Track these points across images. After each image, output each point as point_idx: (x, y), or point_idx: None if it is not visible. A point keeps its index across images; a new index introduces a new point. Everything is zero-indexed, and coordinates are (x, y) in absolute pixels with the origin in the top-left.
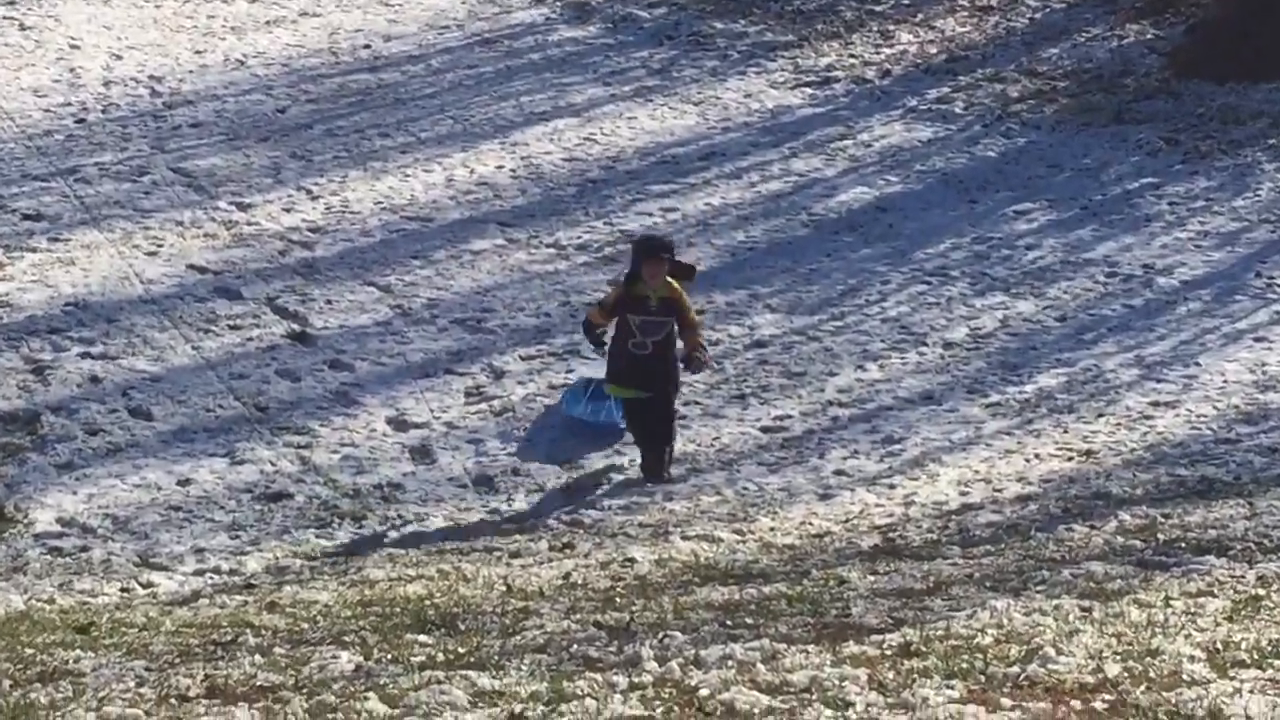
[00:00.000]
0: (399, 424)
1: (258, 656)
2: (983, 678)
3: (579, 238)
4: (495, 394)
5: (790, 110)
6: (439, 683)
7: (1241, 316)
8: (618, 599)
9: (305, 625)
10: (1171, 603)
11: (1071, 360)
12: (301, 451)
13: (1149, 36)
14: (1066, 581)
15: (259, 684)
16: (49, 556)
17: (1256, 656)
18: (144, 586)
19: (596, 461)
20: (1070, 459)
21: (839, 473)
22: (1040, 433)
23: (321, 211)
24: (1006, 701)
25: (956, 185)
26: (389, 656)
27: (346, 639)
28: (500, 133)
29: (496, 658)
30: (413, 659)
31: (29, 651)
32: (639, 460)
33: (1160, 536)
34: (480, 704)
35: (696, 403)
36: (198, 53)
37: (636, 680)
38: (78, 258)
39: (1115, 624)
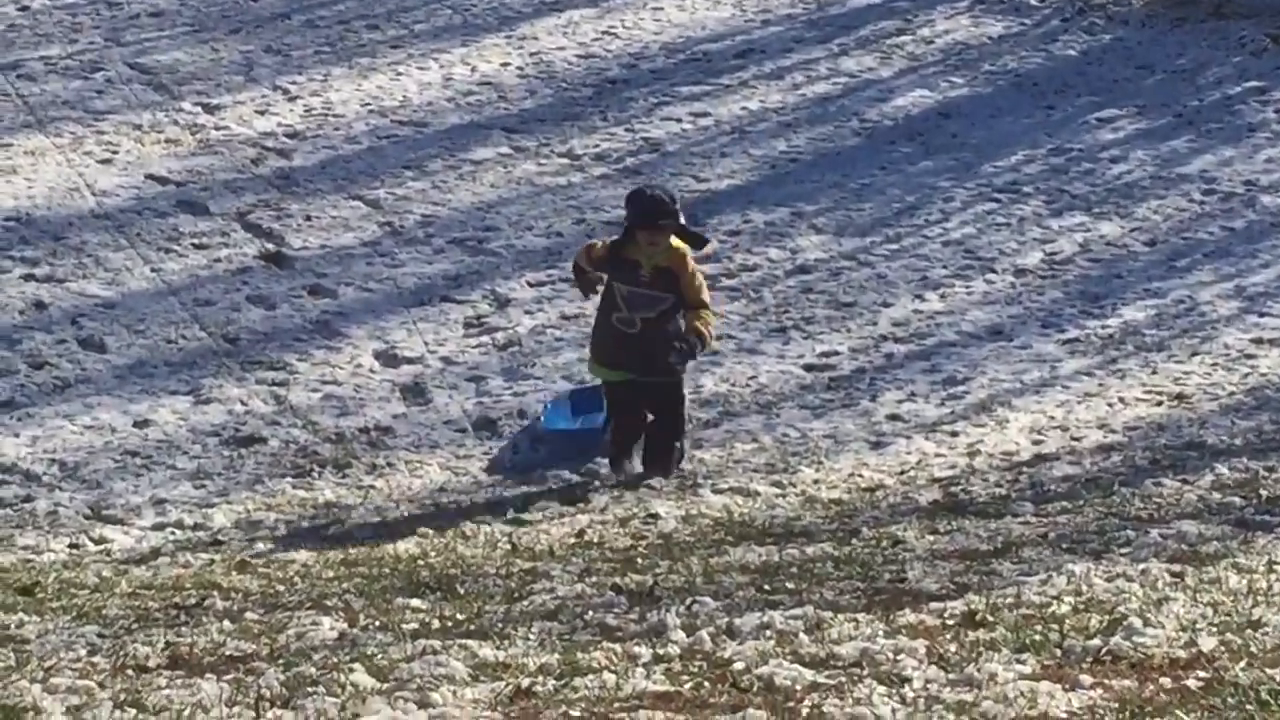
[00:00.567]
0: (388, 359)
1: (226, 622)
2: (1058, 651)
3: (596, 146)
4: (499, 325)
5: (840, 1)
6: (434, 653)
7: None
8: (639, 560)
9: (281, 588)
10: (1275, 568)
11: (1162, 290)
12: (276, 390)
13: None
14: (1155, 543)
15: (228, 653)
16: None
17: None
18: (96, 542)
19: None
20: (1159, 404)
21: (893, 418)
22: (1125, 373)
23: (300, 114)
24: (1086, 678)
25: (1031, 88)
26: (377, 623)
27: (328, 603)
28: (506, 24)
29: (500, 625)
30: (404, 626)
31: None
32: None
33: (1263, 493)
34: (482, 677)
35: (731, 337)
36: None
37: (661, 652)
38: (20, 165)
39: (1211, 592)
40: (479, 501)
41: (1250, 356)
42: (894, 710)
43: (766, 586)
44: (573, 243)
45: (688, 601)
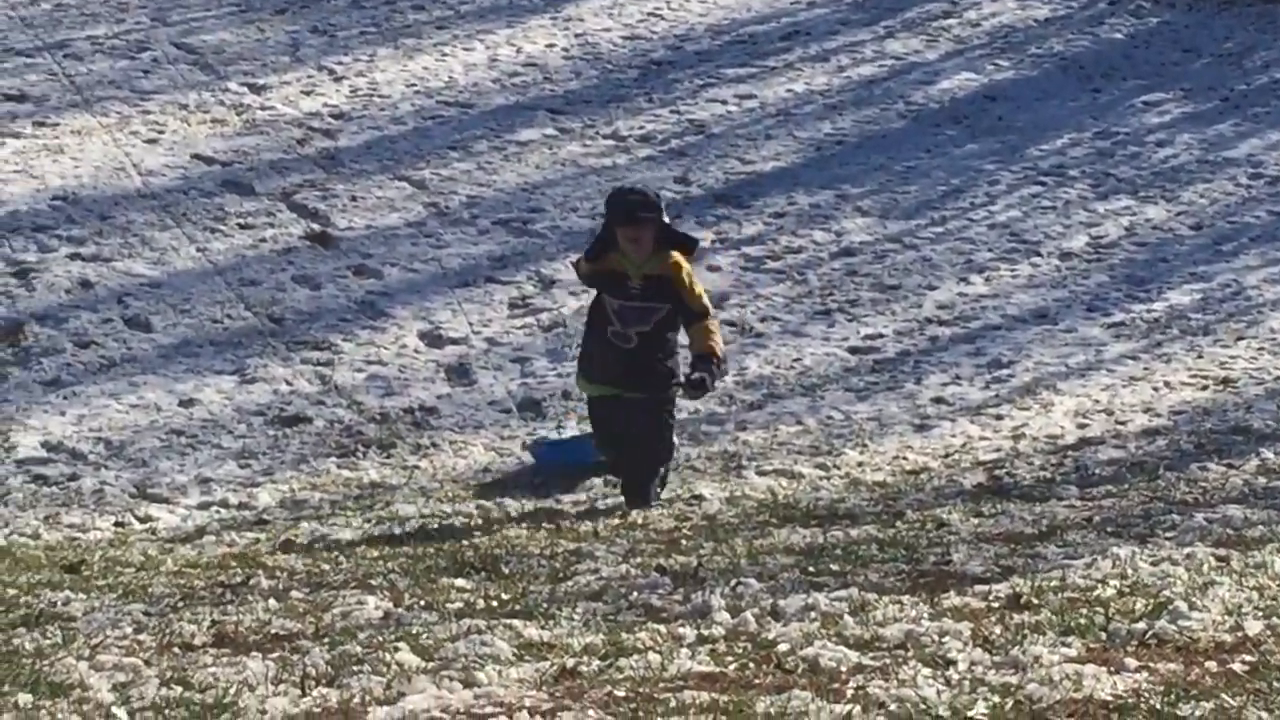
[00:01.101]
0: (433, 339)
1: (272, 601)
2: (1104, 635)
3: (641, 128)
4: (543, 306)
5: None
6: (479, 633)
7: None
8: (683, 541)
9: (325, 567)
10: None
11: (1208, 274)
12: (321, 369)
13: None
14: (1200, 527)
15: (273, 632)
16: (33, 485)
17: None
18: (141, 521)
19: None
20: (1205, 388)
21: (938, 400)
22: (1170, 357)
23: (346, 95)
24: (1131, 662)
25: (1077, 71)
26: (422, 603)
27: (373, 583)
28: (551, 5)
29: (545, 605)
30: (449, 606)
31: (11, 592)
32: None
33: None
34: (527, 657)
35: (775, 319)
36: None
37: (706, 633)
38: (67, 145)
39: (1256, 576)
40: (522, 482)
41: None
42: (939, 692)
43: (811, 568)
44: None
45: (732, 583)
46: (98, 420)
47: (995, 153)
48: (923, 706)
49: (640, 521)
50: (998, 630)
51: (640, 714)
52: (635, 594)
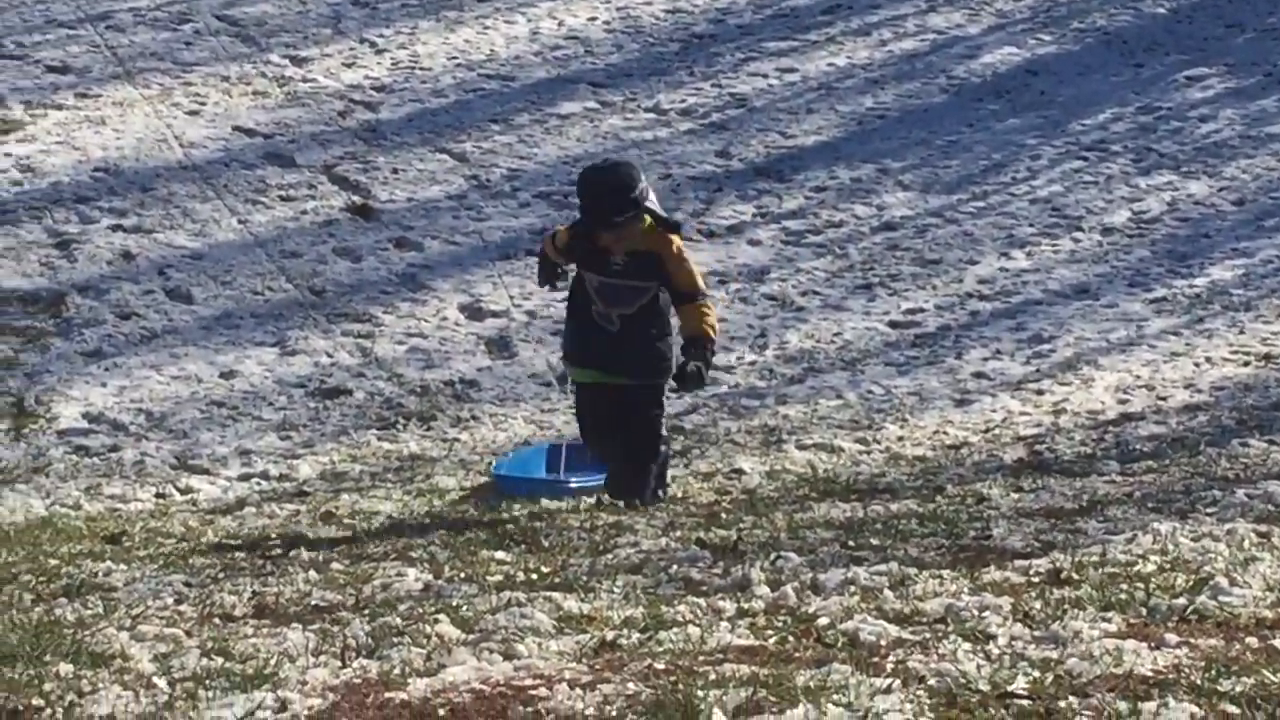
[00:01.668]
0: (474, 312)
1: (312, 573)
2: (1144, 610)
3: (682, 101)
4: None
5: None
6: (519, 605)
7: None
8: (723, 515)
9: (366, 539)
10: None
11: (1250, 250)
12: (362, 342)
13: None
14: (1241, 503)
15: (314, 603)
16: (74, 456)
17: None
18: (182, 492)
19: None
20: (1246, 364)
21: (979, 375)
22: (1212, 333)
23: (387, 67)
24: (1172, 637)
25: (1119, 46)
26: (462, 575)
27: (413, 555)
28: None
29: (585, 578)
30: (489, 578)
31: (53, 563)
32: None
33: None
34: (567, 629)
35: (816, 293)
36: None
37: (746, 606)
38: (109, 116)
39: None
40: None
41: None
42: (979, 666)
43: (851, 542)
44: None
45: (772, 557)
46: (139, 391)
47: (1037, 127)
48: (963, 681)
49: (680, 495)
50: (1038, 605)
51: (680, 687)
52: (675, 567)
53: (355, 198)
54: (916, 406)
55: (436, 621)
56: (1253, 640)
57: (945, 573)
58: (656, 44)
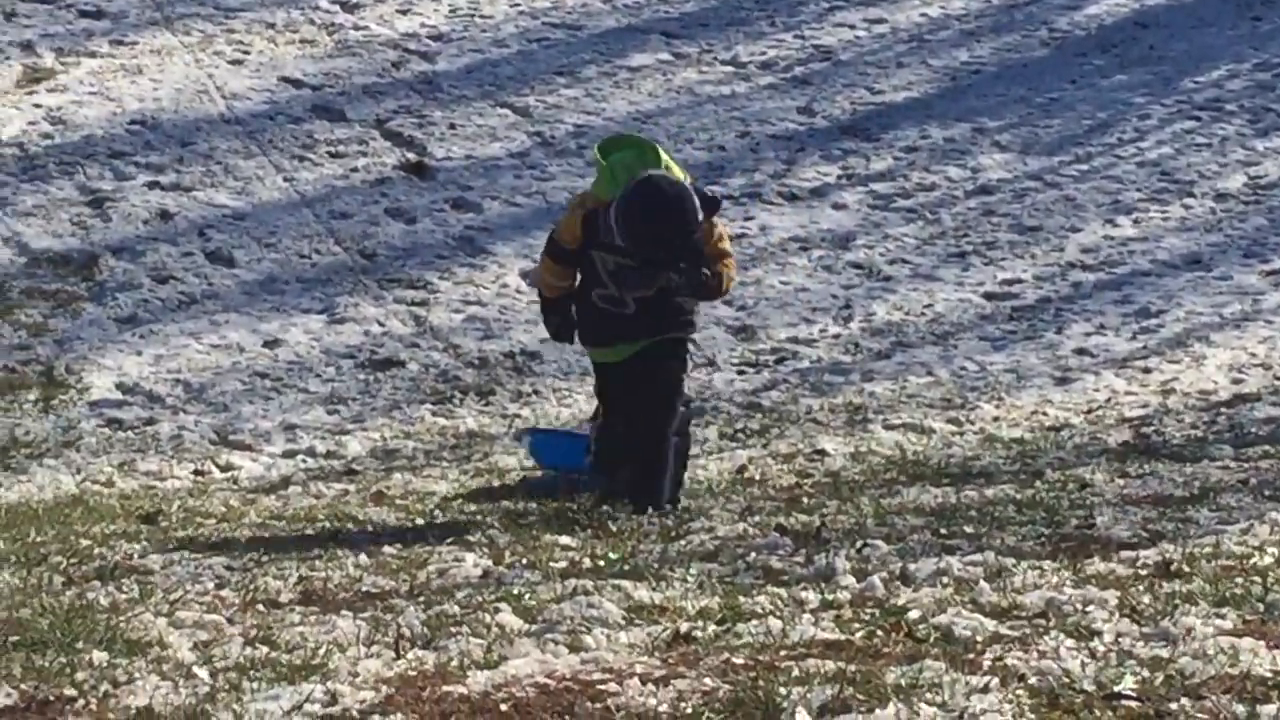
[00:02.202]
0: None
1: (363, 557)
2: (1261, 606)
3: (762, 53)
4: None
5: None
6: (586, 594)
7: None
8: (805, 499)
9: (420, 521)
10: None
11: None
12: (416, 310)
13: None
14: None
15: (365, 590)
16: (107, 430)
17: None
18: (222, 469)
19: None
20: None
21: (1081, 352)
22: None
23: (445, 14)
24: None
25: None
26: (524, 561)
27: (471, 539)
28: None
29: (656, 566)
30: (553, 565)
31: (84, 543)
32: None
33: None
34: (637, 620)
35: (905, 261)
36: None
37: (830, 597)
38: (146, 65)
39: None
40: None
41: None
42: (1083, 665)
43: (943, 530)
44: (736, 156)
45: (858, 544)
46: (176, 361)
47: (1146, 85)
48: (1066, 680)
49: (757, 477)
50: (1146, 600)
51: (760, 683)
52: (753, 555)
53: (409, 155)
54: (1013, 385)
55: (497, 611)
56: None
57: (1045, 564)
58: None
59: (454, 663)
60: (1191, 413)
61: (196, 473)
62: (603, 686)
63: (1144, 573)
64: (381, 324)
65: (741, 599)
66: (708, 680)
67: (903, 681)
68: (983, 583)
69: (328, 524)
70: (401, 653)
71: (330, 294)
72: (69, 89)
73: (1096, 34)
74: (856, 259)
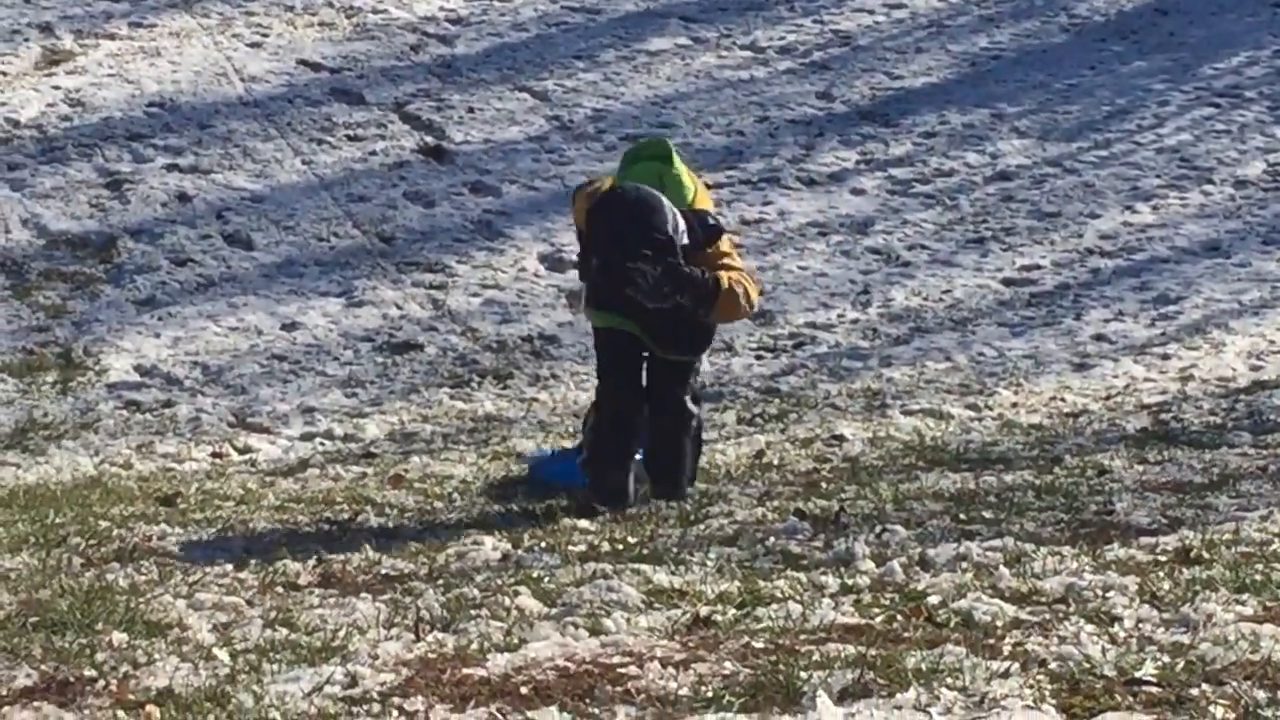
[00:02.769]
0: (554, 262)
1: (382, 540)
2: None
3: (781, 38)
4: None
5: None
6: (605, 577)
7: None
8: (823, 484)
9: (438, 504)
10: None
11: None
12: (434, 293)
13: None
14: None
15: (384, 572)
16: (125, 412)
17: None
18: (240, 452)
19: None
20: None
21: (1099, 338)
22: None
23: None
24: None
25: None
26: (543, 544)
27: (490, 522)
28: None
29: (675, 550)
30: (572, 548)
31: (103, 525)
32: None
33: None
34: (657, 604)
35: (923, 247)
36: None
37: (849, 582)
38: (165, 48)
39: None
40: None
41: None
42: (1103, 650)
43: (962, 515)
44: (755, 142)
45: (877, 529)
46: (194, 343)
47: (1165, 71)
48: (1086, 665)
49: (776, 462)
50: (1166, 586)
51: (781, 667)
52: (772, 539)
53: (428, 138)
54: (1032, 371)
55: (516, 594)
56: None
57: (1065, 549)
58: None
59: (474, 645)
60: (1210, 399)
61: (214, 455)
62: (623, 670)
63: (1164, 559)
64: (399, 307)
65: (761, 583)
66: (728, 664)
67: (923, 666)
68: (1002, 568)
69: (346, 507)
70: (421, 635)
71: (348, 277)
72: (88, 71)
73: (1116, 20)
74: (875, 244)
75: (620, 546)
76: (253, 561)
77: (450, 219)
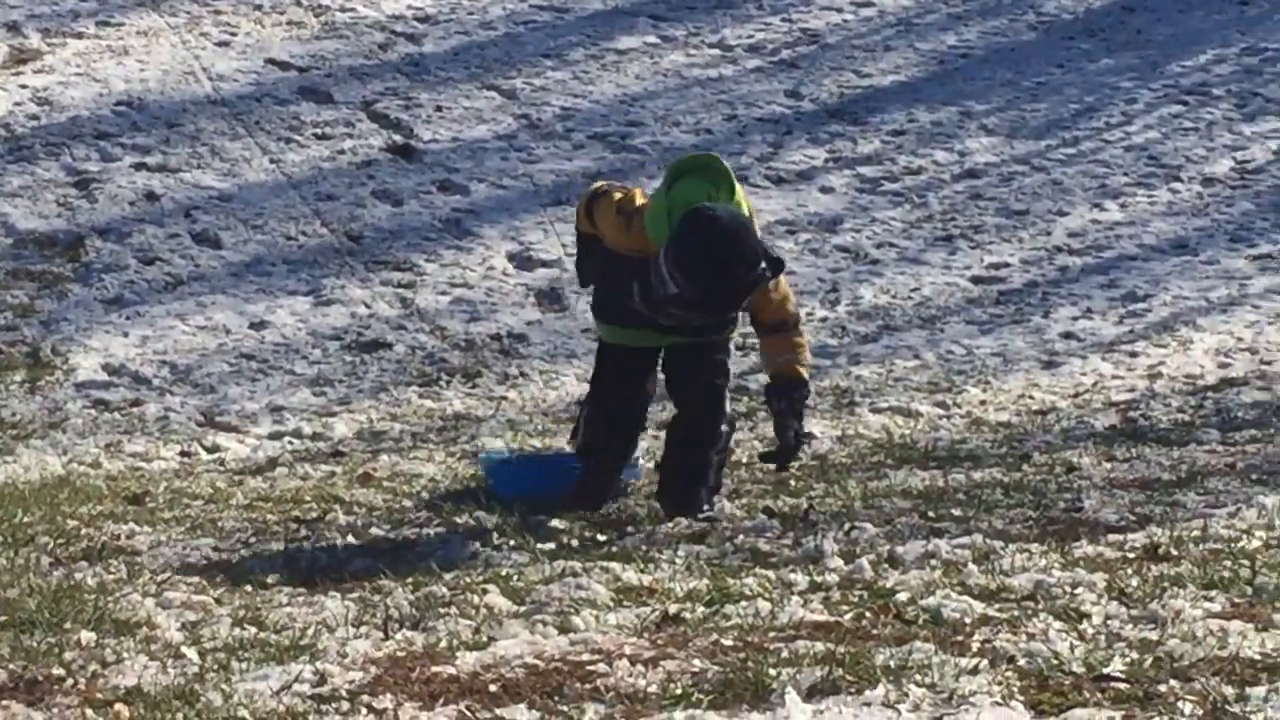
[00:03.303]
0: (523, 261)
1: (350, 538)
2: (1249, 589)
3: (749, 36)
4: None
5: None
6: (574, 575)
7: None
8: (792, 482)
9: (407, 503)
10: None
11: None
12: (402, 292)
13: None
14: None
15: (353, 570)
16: (93, 411)
17: None
18: (209, 450)
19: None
20: None
21: (1068, 335)
22: None
23: None
24: None
25: None
26: (512, 543)
27: (459, 520)
28: None
29: (644, 548)
30: (541, 547)
31: (71, 524)
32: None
33: None
34: (625, 602)
35: (892, 245)
36: None
37: (818, 579)
38: (132, 47)
39: None
40: None
41: None
42: (1072, 646)
43: (930, 513)
44: (723, 140)
45: (845, 527)
46: (163, 342)
47: (1133, 68)
48: (1055, 661)
49: (744, 460)
50: (1134, 582)
51: (749, 664)
52: (741, 537)
53: (396, 137)
54: (1000, 368)
55: (485, 592)
56: None
57: (1033, 546)
58: None
59: (442, 643)
60: (1178, 397)
61: (183, 454)
62: (592, 667)
63: (1132, 556)
64: (368, 306)
65: (730, 581)
66: (697, 661)
67: (892, 663)
68: (971, 565)
69: (315, 506)
70: (390, 633)
71: (317, 276)
72: (55, 70)
73: (1083, 18)
74: (843, 242)
75: (590, 544)
76: (221, 560)
77: (419, 217)
